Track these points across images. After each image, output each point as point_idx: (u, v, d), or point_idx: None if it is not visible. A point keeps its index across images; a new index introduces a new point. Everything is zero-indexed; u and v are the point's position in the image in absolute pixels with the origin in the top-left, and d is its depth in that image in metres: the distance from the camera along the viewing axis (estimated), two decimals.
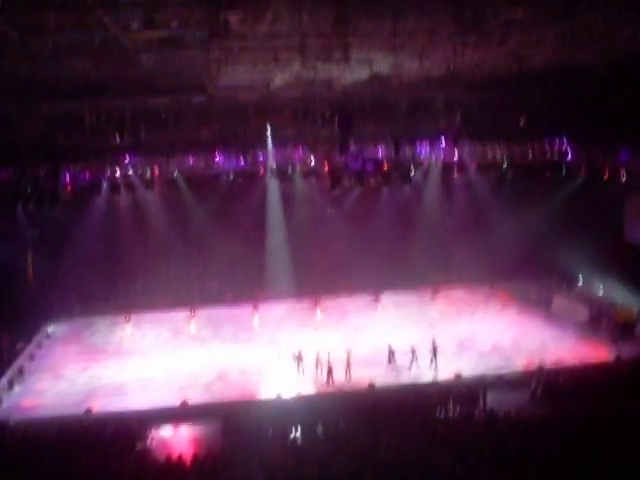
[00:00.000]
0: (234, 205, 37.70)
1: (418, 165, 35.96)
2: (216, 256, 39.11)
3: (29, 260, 36.21)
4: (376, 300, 36.98)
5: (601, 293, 34.53)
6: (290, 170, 35.11)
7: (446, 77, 25.65)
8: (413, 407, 22.58)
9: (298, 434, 21.19)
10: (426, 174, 37.25)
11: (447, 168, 36.73)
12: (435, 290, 38.35)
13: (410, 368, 27.13)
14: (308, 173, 35.33)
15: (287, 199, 37.47)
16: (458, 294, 38.56)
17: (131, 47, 18.34)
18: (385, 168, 34.79)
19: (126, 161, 33.38)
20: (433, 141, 35.32)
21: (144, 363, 30.01)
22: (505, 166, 36.44)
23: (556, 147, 36.51)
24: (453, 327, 33.19)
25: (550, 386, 24.21)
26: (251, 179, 35.73)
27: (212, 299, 37.60)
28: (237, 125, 32.72)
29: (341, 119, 31.50)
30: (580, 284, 36.54)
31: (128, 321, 34.66)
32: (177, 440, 22.62)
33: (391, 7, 16.48)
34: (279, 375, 27.16)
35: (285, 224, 37.92)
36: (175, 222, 37.41)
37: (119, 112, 30.42)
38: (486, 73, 25.82)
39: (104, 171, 33.37)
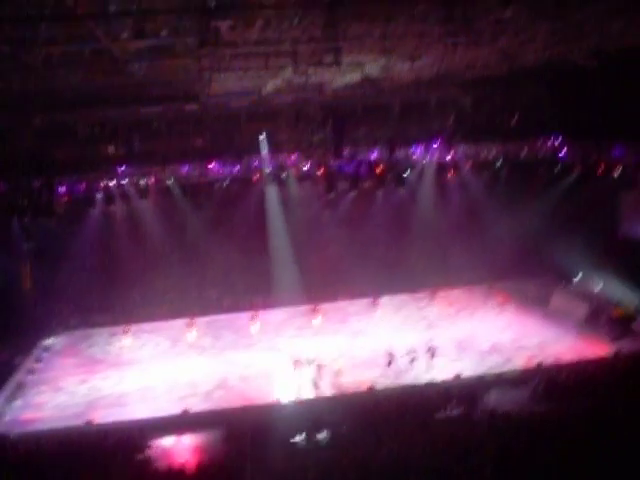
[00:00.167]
0: (230, 212, 37.63)
1: (412, 167, 36.02)
2: (213, 264, 39.01)
3: (25, 273, 36.14)
4: (375, 303, 36.98)
5: (599, 289, 34.57)
6: (284, 175, 35.16)
7: (438, 78, 25.70)
8: (414, 409, 22.56)
9: (300, 439, 21.12)
10: (420, 175, 37.32)
11: (441, 169, 36.82)
12: (433, 291, 38.36)
13: (409, 370, 27.08)
14: (302, 178, 35.36)
15: (282, 204, 37.44)
16: (456, 295, 38.55)
17: (122, 57, 18.29)
18: (379, 171, 34.82)
19: (120, 171, 33.35)
20: (427, 142, 35.38)
21: (143, 373, 29.93)
22: (499, 165, 36.52)
23: (550, 144, 36.63)
24: (452, 328, 33.20)
25: (550, 383, 24.22)
26: (246, 185, 35.76)
27: (210, 307, 37.51)
28: (230, 132, 32.77)
29: (334, 123, 31.55)
30: (578, 281, 36.56)
31: (126, 332, 34.56)
32: (179, 449, 22.54)
33: (381, 10, 16.47)
34: (280, 381, 27.05)
35: (283, 229, 37.89)
36: (171, 231, 37.32)
37: (112, 122, 30.45)
38: (478, 72, 25.86)
39: (99, 182, 33.34)
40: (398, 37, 18.81)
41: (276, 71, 22.19)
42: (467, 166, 36.78)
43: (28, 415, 26.27)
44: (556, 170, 37.02)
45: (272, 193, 36.66)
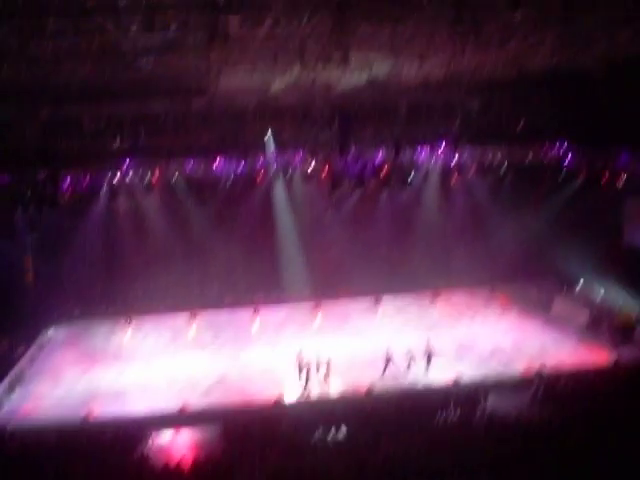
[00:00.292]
0: (234, 209, 37.66)
1: (418, 168, 35.99)
2: (216, 260, 39.05)
3: (29, 264, 36.21)
4: (376, 304, 36.96)
5: (601, 296, 34.53)
6: (289, 174, 35.17)
7: (445, 80, 25.67)
8: (412, 411, 22.55)
9: (298, 438, 21.12)
10: (426, 178, 37.30)
11: (446, 172, 36.80)
12: (435, 293, 38.35)
13: (407, 373, 27.04)
14: (308, 177, 35.34)
15: (287, 203, 37.43)
16: (458, 297, 38.53)
17: (130, 51, 18.32)
18: (385, 172, 34.78)
19: (125, 165, 33.36)
20: (432, 144, 35.35)
21: (144, 367, 29.96)
22: (504, 169, 36.50)
23: (555, 150, 36.59)
24: (453, 330, 33.16)
25: (550, 389, 24.20)
26: (251, 183, 35.75)
27: (212, 303, 37.57)
28: (237, 129, 32.71)
29: (340, 123, 31.50)
30: (580, 287, 36.54)
31: (128, 325, 34.62)
32: (177, 444, 22.58)
33: (390, 11, 16.47)
34: (279, 378, 27.03)
35: (287, 228, 37.90)
36: (175, 226, 37.32)
37: (118, 116, 30.41)
38: (485, 76, 25.82)
39: (103, 175, 33.36)
40: (406, 38, 18.84)
41: (284, 68, 22.19)
42: (472, 170, 36.74)
43: (27, 406, 26.30)
44: (561, 176, 36.99)
45: (278, 191, 36.67)
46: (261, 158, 34.58)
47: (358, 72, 23.95)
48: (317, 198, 37.39)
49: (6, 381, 27.87)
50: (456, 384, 25.55)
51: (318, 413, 22.50)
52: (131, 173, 33.60)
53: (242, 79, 24.29)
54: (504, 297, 37.47)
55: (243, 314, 35.84)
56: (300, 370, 26.77)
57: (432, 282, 38.56)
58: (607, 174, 35.15)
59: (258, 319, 34.57)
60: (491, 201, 38.16)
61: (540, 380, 25.01)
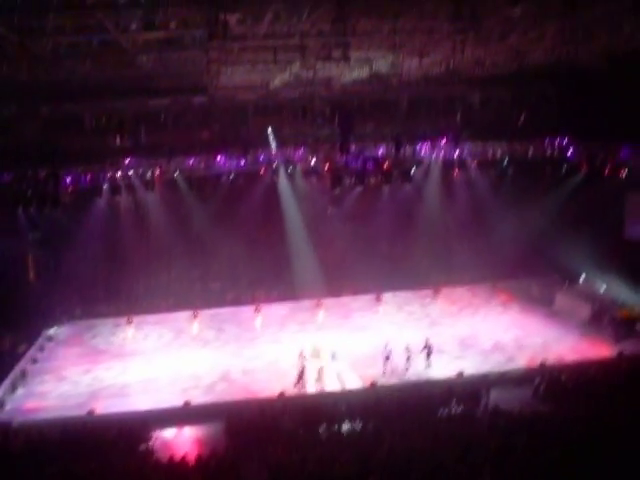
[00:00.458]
0: (235, 205, 37.67)
1: (419, 164, 35.98)
2: (218, 257, 39.10)
3: (30, 263, 36.27)
4: (378, 300, 36.99)
5: (603, 291, 34.53)
6: (290, 170, 35.17)
7: (446, 75, 25.64)
8: (416, 405, 22.59)
9: (301, 433, 21.16)
10: (427, 173, 37.28)
11: (448, 166, 36.78)
12: (437, 289, 38.37)
13: (408, 369, 27.05)
14: (308, 173, 35.33)
15: (288, 199, 37.42)
16: (460, 293, 38.57)
17: (130, 48, 18.31)
18: (386, 167, 34.78)
19: (126, 163, 33.38)
20: (433, 140, 35.33)
21: (146, 364, 30.00)
22: (505, 163, 36.49)
23: (557, 144, 36.57)
24: (455, 326, 33.21)
25: (553, 383, 24.22)
26: (252, 179, 35.77)
27: (214, 300, 37.60)
28: (237, 125, 32.75)
29: (341, 118, 31.49)
30: (582, 282, 36.53)
31: (130, 323, 34.65)
32: (180, 441, 22.63)
33: (390, 6, 16.45)
34: (282, 375, 27.04)
35: (288, 224, 37.91)
36: (176, 223, 37.33)
37: (119, 114, 30.47)
38: (486, 70, 25.79)
39: (105, 173, 33.37)
40: (407, 33, 18.80)
41: (284, 65, 22.19)
42: (473, 164, 36.73)
43: (31, 404, 26.34)
44: (562, 170, 36.99)
45: (279, 187, 36.67)
46: (262, 154, 34.57)
47: (358, 68, 23.95)
48: (318, 194, 37.39)
49: (9, 379, 27.91)
50: (459, 379, 25.57)
51: (321, 408, 22.53)
52: (132, 170, 33.58)
53: (242, 76, 24.32)
54: (506, 292, 37.48)
55: (245, 311, 35.87)
56: (302, 366, 26.79)
57: (434, 278, 38.63)
58: (608, 168, 35.13)
59: (260, 316, 34.54)
60: (492, 196, 38.12)
61: (542, 374, 25.03)
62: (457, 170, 36.79)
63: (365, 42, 19.59)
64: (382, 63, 23.48)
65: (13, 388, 27.47)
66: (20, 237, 34.04)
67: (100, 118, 30.54)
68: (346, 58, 19.44)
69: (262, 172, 35.30)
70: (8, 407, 25.96)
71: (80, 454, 19.68)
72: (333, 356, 27.67)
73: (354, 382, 26.18)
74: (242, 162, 34.70)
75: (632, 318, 30.46)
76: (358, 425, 21.70)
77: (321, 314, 34.79)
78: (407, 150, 35.03)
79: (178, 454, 19.87)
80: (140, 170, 33.82)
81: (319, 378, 26.15)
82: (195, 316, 34.82)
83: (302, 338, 31.03)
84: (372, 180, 35.76)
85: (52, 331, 34.97)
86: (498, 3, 16.29)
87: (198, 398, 25.34)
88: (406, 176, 35.57)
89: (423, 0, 16.02)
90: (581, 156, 36.39)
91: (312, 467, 17.54)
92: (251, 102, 31.42)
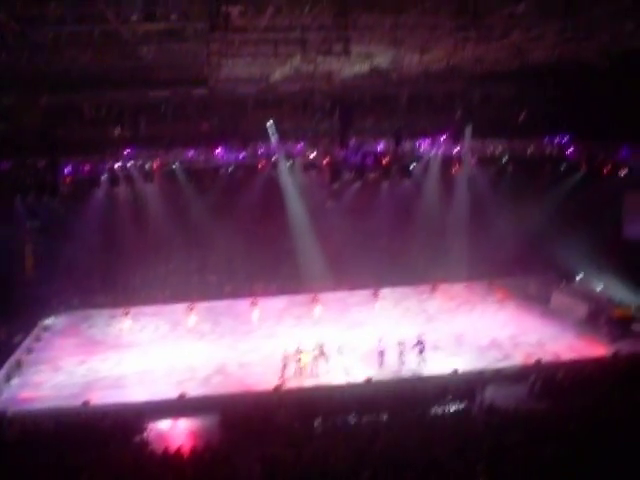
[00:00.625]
0: (234, 198, 37.67)
1: (418, 159, 35.96)
2: (215, 249, 39.13)
3: (28, 252, 36.23)
4: (375, 295, 37.00)
5: (600, 289, 34.58)
6: (290, 163, 35.14)
7: (446, 71, 25.60)
8: (411, 401, 22.63)
9: (296, 427, 21.19)
10: (426, 168, 37.27)
11: (447, 163, 36.77)
12: (434, 285, 38.40)
13: (403, 364, 27.06)
14: (308, 166, 35.30)
15: (287, 192, 37.41)
16: (457, 289, 38.63)
17: (131, 39, 18.25)
18: (385, 162, 34.75)
19: (126, 153, 33.32)
20: (433, 135, 35.30)
21: (142, 356, 30.00)
22: (505, 161, 36.50)
23: (556, 142, 36.58)
24: (452, 322, 33.25)
25: (548, 381, 24.26)
26: (251, 172, 35.74)
27: (211, 292, 37.62)
28: (237, 118, 32.68)
29: (341, 113, 31.43)
30: (579, 280, 36.57)
31: (127, 314, 34.64)
32: (175, 433, 22.67)
33: (392, 1, 16.40)
34: (278, 369, 27.03)
35: (287, 218, 37.89)
36: (174, 215, 37.32)
37: (119, 104, 30.36)
38: (487, 67, 25.76)
39: (103, 163, 33.32)
40: (408, 29, 18.74)
41: (285, 58, 22.12)
42: (473, 161, 36.72)
43: (26, 394, 26.34)
44: (562, 168, 37.01)
45: (278, 181, 36.63)
46: (261, 147, 34.54)
47: (359, 63, 23.89)
48: (317, 188, 37.35)
49: (4, 369, 27.92)
50: (454, 376, 25.60)
51: (316, 402, 22.56)
52: (131, 161, 33.54)
53: (243, 69, 24.24)
54: (503, 289, 37.51)
55: (242, 304, 35.87)
56: (299, 359, 26.79)
57: (431, 274, 38.65)
58: (607, 168, 35.16)
59: (257, 309, 34.56)
60: (491, 193, 38.14)
61: (538, 372, 25.08)
62: (456, 166, 36.77)
63: (366, 37, 19.52)
64: (383, 58, 23.41)
65: (8, 378, 27.46)
66: (18, 226, 34.02)
67: (100, 108, 30.41)
68: (347, 52, 19.41)
69: (261, 165, 35.25)
70: (3, 396, 25.96)
71: (75, 445, 19.70)
72: (339, 350, 27.76)
73: (361, 376, 26.17)
74: (241, 155, 34.66)
75: (628, 317, 30.52)
76: (353, 420, 21.74)
77: (318, 309, 34.80)
78: (407, 145, 35.03)
79: (173, 446, 19.91)
80: (139, 161, 33.78)
81: (301, 372, 26.31)
82: (192, 308, 34.83)
83: (299, 332, 31.06)
84: (371, 175, 35.73)
85: (48, 321, 34.98)
86: (500, 0, 16.26)
87: (193, 390, 25.35)
88: (405, 171, 35.57)
89: None
90: (581, 155, 36.44)
91: (307, 461, 17.58)
92: (251, 95, 31.33)
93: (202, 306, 35.62)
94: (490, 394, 23.35)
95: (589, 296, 33.73)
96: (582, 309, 32.64)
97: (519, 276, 38.27)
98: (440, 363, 27.19)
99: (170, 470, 18.05)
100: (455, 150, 35.92)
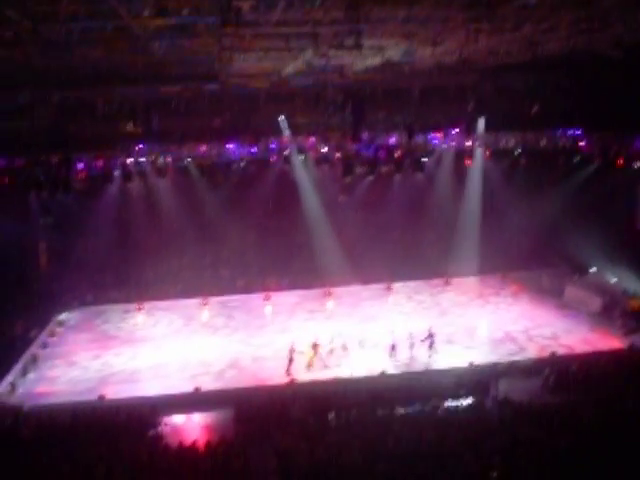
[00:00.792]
0: (246, 193, 37.73)
1: (431, 152, 35.83)
2: (228, 244, 39.22)
3: (42, 248, 36.44)
4: (388, 289, 36.98)
5: (614, 282, 34.39)
6: (302, 158, 35.09)
7: (459, 64, 25.46)
8: (425, 395, 22.62)
9: (310, 421, 21.22)
10: (439, 161, 37.13)
11: (460, 156, 36.60)
12: (447, 279, 38.32)
13: (416, 358, 27.05)
14: (320, 161, 35.25)
15: (299, 187, 37.38)
16: (470, 283, 38.51)
17: (142, 35, 18.26)
18: (398, 155, 34.63)
19: (138, 149, 33.40)
20: (446, 128, 35.14)
21: (156, 351, 30.14)
22: (518, 153, 36.30)
23: (569, 135, 36.33)
24: (465, 316, 33.20)
25: (563, 374, 24.19)
26: (263, 167, 35.73)
27: (224, 287, 37.68)
28: (249, 113, 32.68)
29: (353, 106, 31.32)
30: (593, 273, 36.37)
31: (140, 309, 34.82)
32: (190, 427, 22.77)
33: None
34: (293, 361, 27.04)
35: (300, 212, 37.88)
36: (187, 210, 37.45)
37: (131, 100, 30.41)
38: (500, 60, 25.62)
39: (116, 159, 33.41)
40: (421, 22, 18.64)
41: (296, 53, 22.07)
42: (486, 154, 36.54)
43: (41, 388, 26.55)
44: (575, 161, 36.75)
45: (291, 175, 36.59)
46: (273, 142, 34.52)
47: (371, 56, 23.80)
48: (329, 182, 37.29)
49: (20, 363, 28.14)
50: (468, 369, 25.57)
51: (330, 396, 22.58)
52: (143, 157, 33.61)
53: (254, 63, 24.20)
54: (516, 283, 37.38)
55: (255, 298, 35.96)
56: (313, 353, 26.82)
57: (444, 267, 38.52)
58: (621, 159, 34.90)
59: (270, 303, 34.61)
60: (504, 186, 37.98)
61: (552, 366, 25.00)
62: (469, 159, 36.58)
63: (378, 30, 19.43)
64: (395, 51, 23.31)
65: (24, 372, 27.70)
66: (32, 222, 34.18)
67: (112, 104, 30.49)
68: (359, 46, 19.32)
69: (273, 160, 35.23)
70: (19, 391, 26.16)
71: (90, 439, 19.85)
72: (361, 344, 27.78)
73: (374, 370, 26.19)
74: (253, 150, 34.65)
75: None
76: (367, 413, 21.74)
77: (331, 303, 34.80)
78: (419, 139, 34.89)
79: (187, 440, 20.01)
80: (152, 157, 33.84)
81: (308, 366, 26.44)
82: (205, 303, 34.92)
83: (312, 327, 31.10)
84: (384, 169, 35.62)
85: (63, 316, 35.15)
86: None
87: (207, 385, 25.46)
88: (418, 165, 35.41)
89: None
90: (594, 147, 36.15)
91: (320, 455, 17.62)
92: (263, 90, 31.31)
93: (215, 301, 35.75)
94: (504, 387, 23.31)
95: (603, 289, 33.54)
96: (596, 302, 32.50)
97: (533, 269, 38.12)
98: (454, 357, 27.18)
99: (185, 464, 18.16)
100: (468, 143, 35.70)
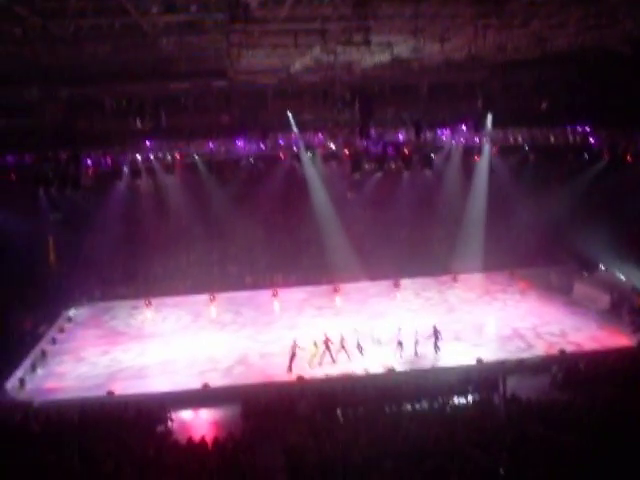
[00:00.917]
0: (254, 189, 37.75)
1: (439, 149, 35.73)
2: (236, 240, 39.27)
3: (51, 244, 36.58)
4: (396, 285, 36.97)
5: (622, 279, 34.24)
6: (310, 155, 35.06)
7: (467, 60, 25.42)
8: (433, 392, 22.61)
9: (318, 417, 21.23)
10: (447, 158, 37.03)
11: (468, 153, 36.50)
12: (455, 276, 38.27)
13: (423, 355, 27.05)
14: (328, 157, 35.22)
15: (308, 183, 37.37)
16: (478, 280, 38.44)
17: (151, 31, 18.31)
18: (406, 152, 34.55)
19: (147, 146, 33.45)
20: (454, 125, 35.05)
21: (165, 347, 30.22)
22: (527, 150, 36.17)
23: (579, 131, 36.17)
24: (473, 313, 33.12)
25: (571, 371, 24.12)
26: (271, 163, 35.74)
27: (232, 283, 37.74)
28: (257, 109, 32.72)
29: (361, 103, 31.27)
30: (601, 270, 36.23)
31: (148, 305, 34.92)
32: (198, 423, 22.83)
33: None
34: (299, 359, 27.07)
35: (308, 209, 37.87)
36: (195, 206, 37.51)
37: (139, 97, 30.50)
38: (508, 56, 25.56)
39: (125, 156, 33.47)
40: (429, 18, 18.63)
41: (305, 49, 22.09)
42: (494, 150, 36.41)
43: (50, 384, 26.68)
44: (584, 157, 36.58)
45: (299, 172, 36.57)
46: (281, 139, 34.50)
47: (379, 52, 23.79)
48: (338, 179, 37.25)
49: (29, 359, 28.27)
50: (476, 366, 25.53)
51: (337, 393, 22.59)
52: (152, 154, 33.66)
53: (262, 60, 24.24)
54: (524, 280, 37.29)
55: (263, 295, 36.00)
56: (322, 349, 26.84)
57: (452, 264, 38.45)
58: (630, 156, 34.70)
59: (278, 300, 34.64)
60: (513, 182, 37.84)
61: (560, 363, 24.94)
62: (478, 156, 36.48)
63: (386, 26, 19.44)
64: (403, 48, 23.31)
65: (33, 368, 27.85)
66: (41, 218, 34.28)
67: (120, 101, 30.62)
68: (367, 42, 19.34)
69: (281, 156, 35.21)
70: (28, 387, 26.30)
71: (98, 434, 19.90)
72: (379, 341, 27.81)
73: (357, 367, 26.24)
74: (261, 146, 34.65)
75: None
76: (375, 410, 21.73)
77: (339, 299, 34.81)
78: (427, 135, 34.79)
79: (195, 436, 20.05)
80: (160, 153, 33.89)
81: (310, 362, 26.49)
82: (213, 299, 34.97)
83: (320, 323, 31.10)
84: (392, 165, 35.55)
85: (71, 312, 35.30)
86: None
87: (216, 381, 25.49)
88: (426, 161, 35.29)
89: None
90: (603, 143, 35.96)
91: (328, 451, 17.62)
92: (271, 86, 31.35)
93: (223, 297, 35.80)
94: (512, 384, 23.22)
95: (612, 286, 33.38)
96: (605, 299, 32.36)
97: (541, 266, 37.99)
98: (462, 354, 27.14)
99: (193, 459, 18.19)
100: (476, 139, 35.60)
